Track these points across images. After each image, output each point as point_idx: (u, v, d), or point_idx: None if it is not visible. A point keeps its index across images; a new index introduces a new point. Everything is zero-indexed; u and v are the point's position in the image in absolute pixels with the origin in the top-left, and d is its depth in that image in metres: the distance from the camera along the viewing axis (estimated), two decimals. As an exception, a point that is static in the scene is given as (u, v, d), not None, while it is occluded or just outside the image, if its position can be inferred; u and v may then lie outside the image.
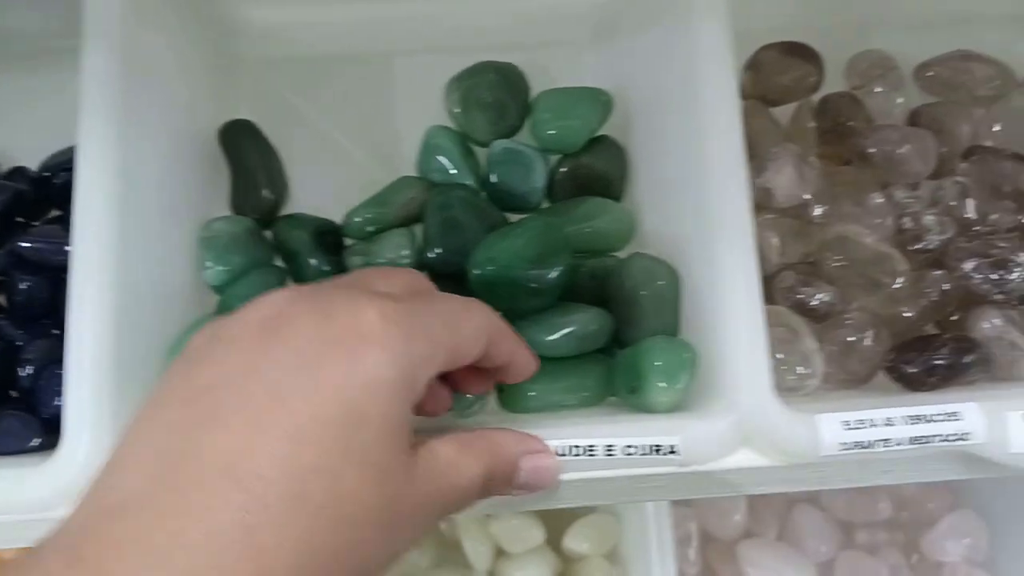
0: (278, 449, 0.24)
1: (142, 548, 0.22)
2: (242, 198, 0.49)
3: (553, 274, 0.43)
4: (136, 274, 0.43)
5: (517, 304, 0.43)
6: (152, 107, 0.46)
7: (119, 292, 0.40)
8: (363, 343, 0.26)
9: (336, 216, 0.49)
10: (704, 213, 0.41)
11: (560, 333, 0.43)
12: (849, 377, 0.43)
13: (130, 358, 0.41)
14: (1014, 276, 0.42)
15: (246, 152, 0.49)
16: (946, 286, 0.44)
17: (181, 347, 0.43)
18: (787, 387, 0.43)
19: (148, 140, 0.45)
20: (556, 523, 0.65)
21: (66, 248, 0.43)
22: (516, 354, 0.35)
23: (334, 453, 0.25)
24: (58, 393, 0.39)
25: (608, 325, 0.44)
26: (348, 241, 0.49)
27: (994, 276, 0.42)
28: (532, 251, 0.43)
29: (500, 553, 0.66)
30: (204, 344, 0.28)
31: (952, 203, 0.46)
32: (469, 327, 0.31)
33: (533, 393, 0.43)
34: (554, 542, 0.66)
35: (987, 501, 0.66)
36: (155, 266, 0.45)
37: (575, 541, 0.64)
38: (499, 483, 0.33)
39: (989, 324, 0.43)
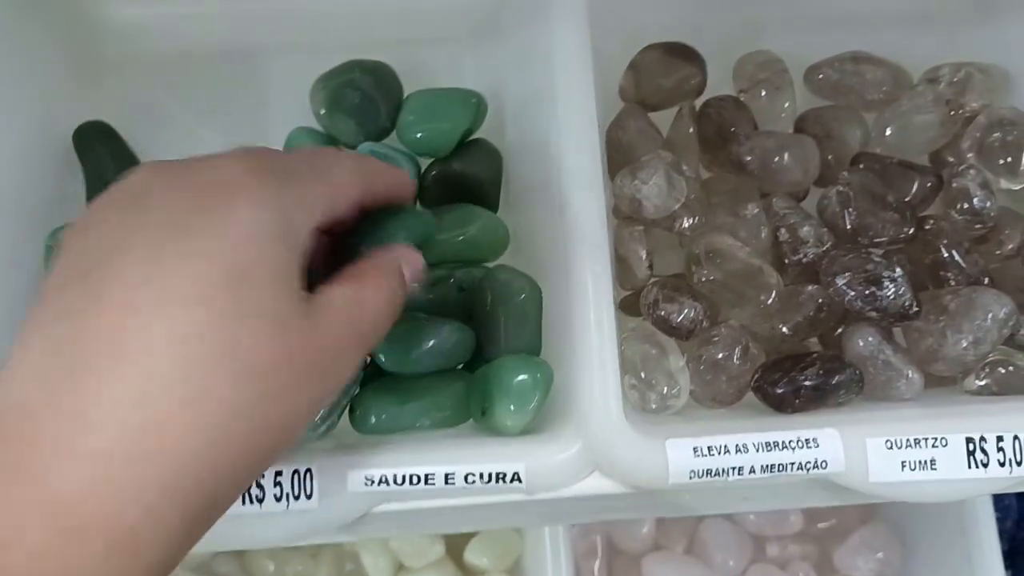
0: (163, 317, 0.24)
1: (47, 438, 0.22)
2: (95, 204, 0.47)
3: None
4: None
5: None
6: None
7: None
8: (230, 195, 0.26)
9: (199, 223, 0.47)
10: (560, 224, 0.39)
11: (417, 350, 0.41)
12: (717, 396, 0.41)
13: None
14: (888, 292, 0.40)
15: (99, 155, 0.47)
16: (821, 301, 0.42)
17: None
18: (651, 407, 0.41)
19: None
20: (456, 537, 0.63)
21: None
22: (396, 188, 0.35)
23: (224, 310, 0.24)
24: None
25: (468, 340, 0.42)
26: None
27: (867, 292, 0.40)
28: None
29: (400, 567, 0.64)
30: (75, 234, 0.27)
31: (836, 211, 0.44)
32: (341, 170, 0.31)
33: (384, 415, 0.40)
34: (455, 556, 0.64)
35: (900, 514, 0.64)
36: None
37: (475, 555, 0.63)
38: (402, 292, 0.32)
39: (863, 342, 0.41)
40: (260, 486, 0.36)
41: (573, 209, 0.39)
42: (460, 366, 0.43)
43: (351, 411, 0.41)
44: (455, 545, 0.63)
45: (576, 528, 0.63)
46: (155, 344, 0.23)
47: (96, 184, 0.47)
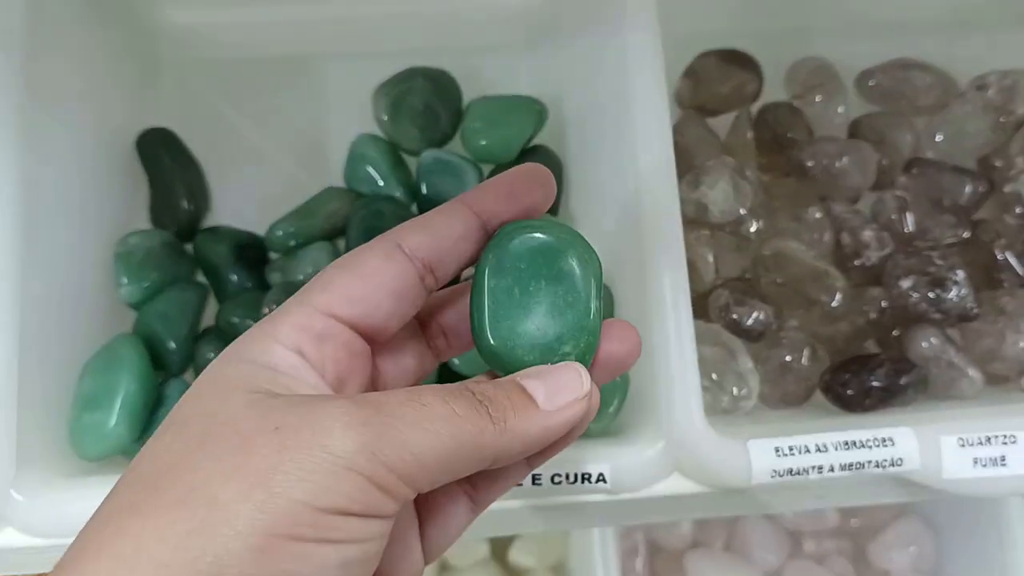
0: None
1: None
2: (161, 211, 0.47)
3: None
4: (44, 291, 0.41)
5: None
6: (62, 115, 0.44)
7: (23, 311, 0.38)
8: None
9: (261, 228, 0.47)
10: (634, 229, 0.40)
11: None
12: (785, 397, 0.42)
13: (36, 380, 0.39)
14: (951, 295, 0.41)
15: (164, 163, 0.47)
16: (884, 304, 0.43)
17: (93, 367, 0.42)
18: (722, 408, 0.41)
19: (58, 149, 0.43)
20: (501, 536, 0.64)
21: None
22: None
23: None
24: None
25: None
26: (273, 255, 0.47)
27: (931, 295, 0.41)
28: None
29: (444, 567, 0.64)
30: None
31: (893, 217, 0.45)
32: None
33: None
34: (499, 555, 0.64)
35: (933, 508, 0.66)
36: (66, 283, 0.43)
37: (520, 554, 0.63)
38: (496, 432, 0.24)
39: (927, 343, 0.42)
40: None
41: (649, 214, 0.39)
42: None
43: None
44: (499, 544, 0.64)
45: (618, 527, 0.64)
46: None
47: (160, 190, 0.47)
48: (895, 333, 0.45)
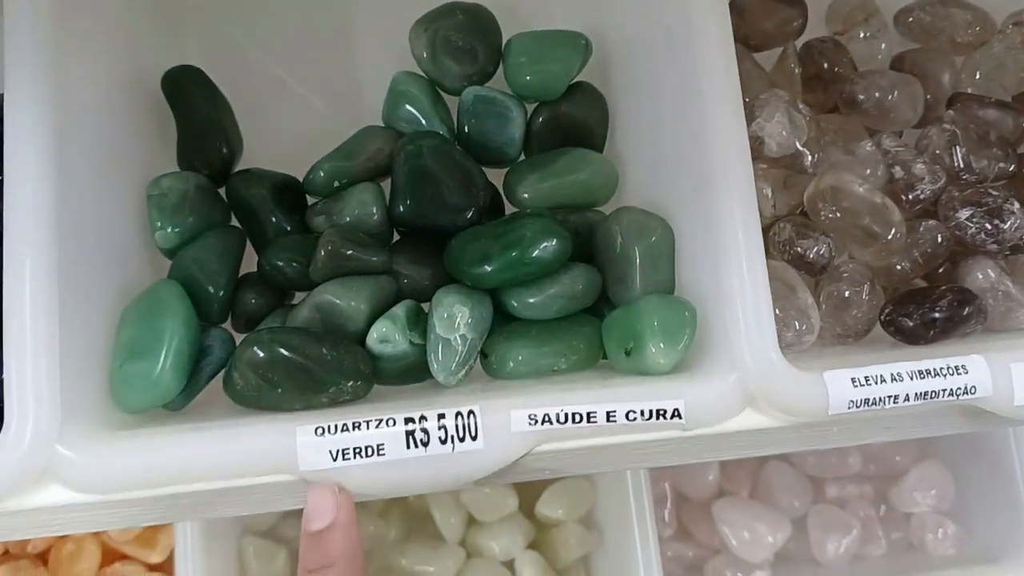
0: None
1: None
2: (192, 153, 0.45)
3: None
4: (78, 238, 0.38)
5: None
6: (88, 53, 0.41)
7: (58, 257, 0.36)
8: None
9: (293, 171, 0.46)
10: (700, 163, 0.39)
11: (545, 294, 0.41)
12: (846, 332, 0.42)
13: (76, 329, 0.37)
14: (1008, 225, 0.41)
15: (194, 102, 0.45)
16: (939, 237, 0.43)
17: (135, 315, 0.40)
18: (785, 344, 0.41)
19: (85, 89, 0.41)
20: (529, 489, 0.63)
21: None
22: None
23: None
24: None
25: (596, 283, 0.42)
26: (310, 199, 0.46)
27: (989, 226, 0.41)
28: None
29: (472, 522, 0.64)
30: None
31: (938, 151, 0.45)
32: None
33: (521, 357, 0.40)
34: (527, 508, 0.64)
35: (952, 450, 0.67)
36: (99, 228, 0.40)
37: (549, 507, 0.63)
38: None
39: (983, 275, 0.42)
40: (425, 430, 0.35)
41: (715, 148, 0.38)
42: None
43: (484, 357, 0.41)
44: (527, 497, 0.63)
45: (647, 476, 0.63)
46: None
47: (190, 131, 0.45)
48: (941, 268, 0.45)
